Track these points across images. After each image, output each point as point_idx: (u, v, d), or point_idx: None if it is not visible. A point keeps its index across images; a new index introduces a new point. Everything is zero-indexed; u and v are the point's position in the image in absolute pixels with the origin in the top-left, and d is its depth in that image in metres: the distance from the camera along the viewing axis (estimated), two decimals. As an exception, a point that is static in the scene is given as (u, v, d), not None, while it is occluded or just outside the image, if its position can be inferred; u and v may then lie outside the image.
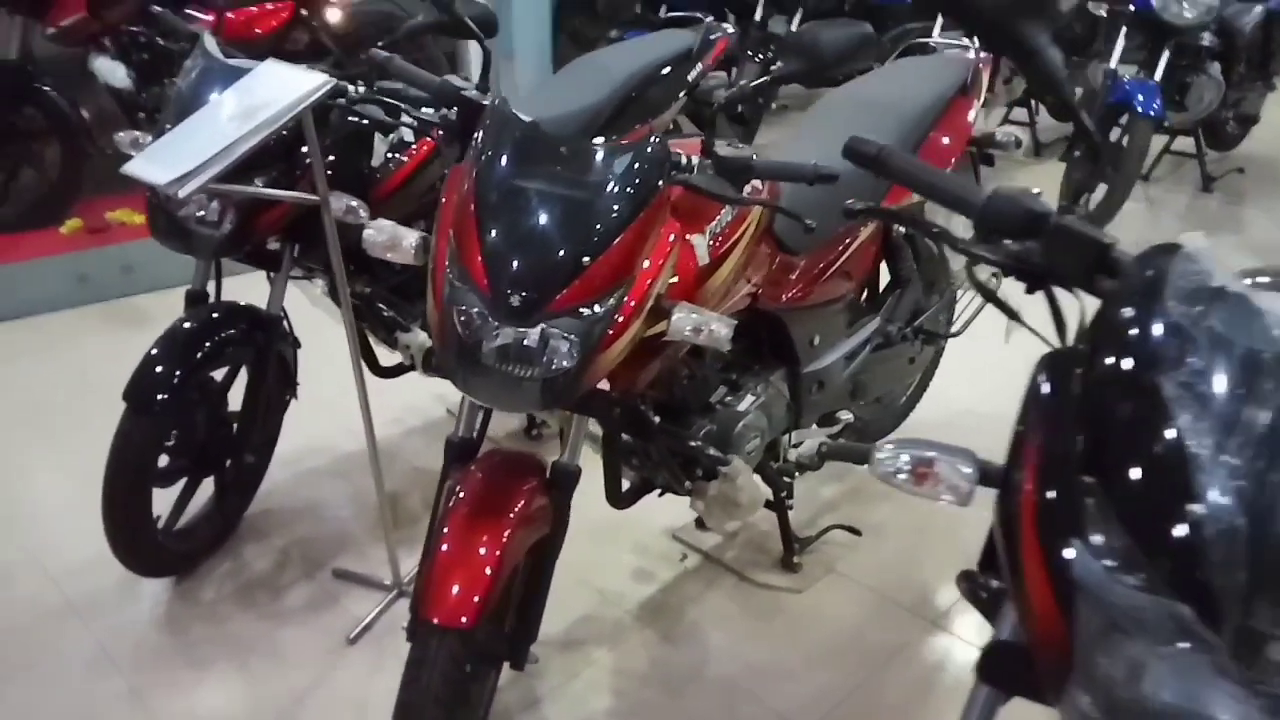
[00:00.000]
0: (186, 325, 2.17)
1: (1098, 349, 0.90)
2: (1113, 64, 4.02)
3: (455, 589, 1.47)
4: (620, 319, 1.45)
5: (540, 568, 1.71)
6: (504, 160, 1.46)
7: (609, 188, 1.45)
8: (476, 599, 1.46)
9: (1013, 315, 1.16)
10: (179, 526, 2.36)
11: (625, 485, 2.02)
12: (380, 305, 2.42)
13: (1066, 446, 0.89)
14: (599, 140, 1.50)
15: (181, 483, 2.32)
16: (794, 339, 2.03)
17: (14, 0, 3.72)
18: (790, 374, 2.08)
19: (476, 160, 1.48)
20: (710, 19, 2.98)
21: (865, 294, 2.46)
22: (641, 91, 2.73)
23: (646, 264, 1.49)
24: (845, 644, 2.17)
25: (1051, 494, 0.88)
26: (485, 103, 1.60)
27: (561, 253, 1.41)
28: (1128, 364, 0.87)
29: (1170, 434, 0.81)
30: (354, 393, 2.12)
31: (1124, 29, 4.05)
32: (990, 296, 1.18)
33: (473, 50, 5.80)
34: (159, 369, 2.08)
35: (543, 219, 1.42)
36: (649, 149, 1.49)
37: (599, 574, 2.37)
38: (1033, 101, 5.16)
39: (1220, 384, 0.82)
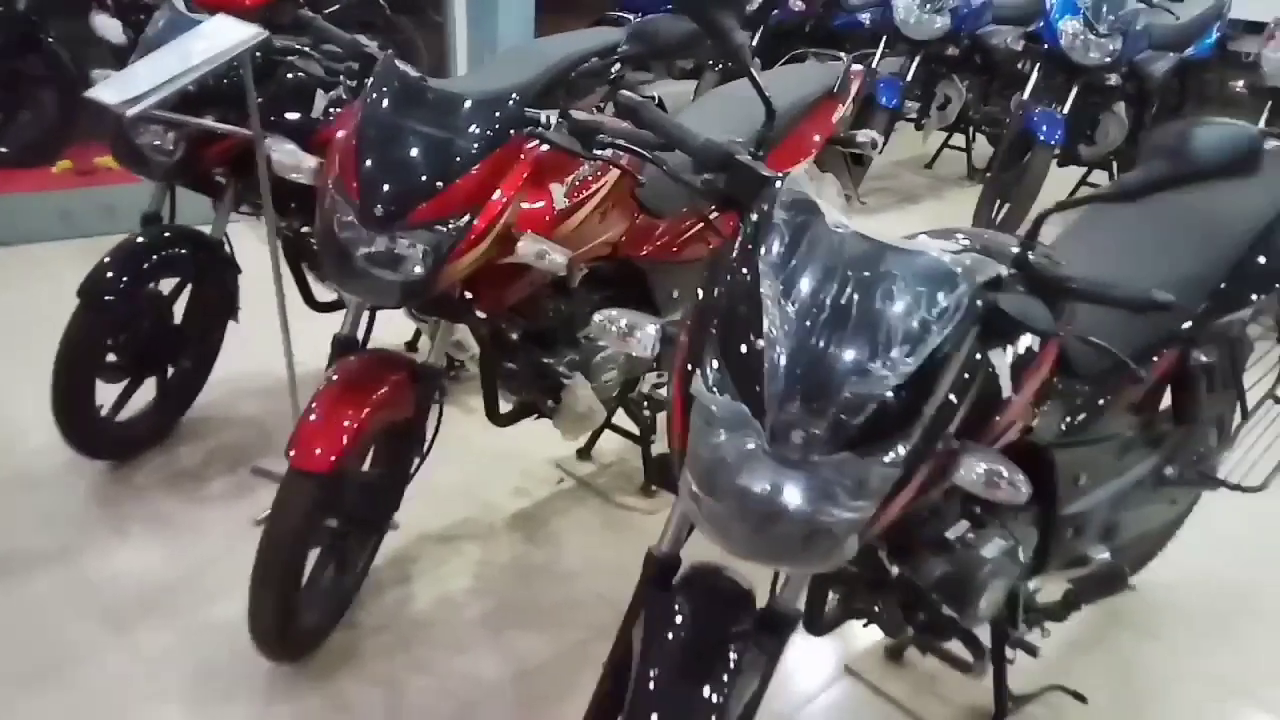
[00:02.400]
0: (139, 240, 2.52)
1: (739, 243, 1.25)
2: (1025, 95, 4.41)
3: (317, 446, 1.81)
4: (471, 236, 1.81)
5: (403, 448, 2.07)
6: (384, 103, 1.81)
7: (466, 130, 1.80)
8: (333, 456, 1.81)
9: None
10: (121, 419, 2.70)
11: (508, 407, 2.37)
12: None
13: (703, 307, 1.24)
14: (459, 93, 1.84)
15: (125, 381, 2.67)
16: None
17: (23, -44, 4.08)
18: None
19: (363, 102, 1.84)
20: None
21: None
22: (567, 77, 3.08)
23: (498, 195, 1.85)
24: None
25: (687, 340, 1.24)
26: (376, 56, 1.94)
27: (420, 176, 1.76)
28: (741, 251, 1.22)
29: (753, 293, 1.17)
30: (296, 322, 2.44)
31: (1038, 65, 4.43)
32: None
33: (460, 43, 6.20)
34: (109, 274, 2.42)
35: (408, 150, 1.77)
36: (504, 107, 1.84)
37: (484, 489, 2.72)
38: (970, 129, 5.53)
39: (790, 259, 1.17)
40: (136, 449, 2.76)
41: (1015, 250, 1.29)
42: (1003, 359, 1.36)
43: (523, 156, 1.91)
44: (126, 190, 4.04)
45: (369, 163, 1.77)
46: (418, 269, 1.78)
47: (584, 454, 2.87)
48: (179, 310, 2.71)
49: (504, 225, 1.88)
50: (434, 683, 2.07)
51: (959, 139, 5.68)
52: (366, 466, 2.14)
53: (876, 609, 1.70)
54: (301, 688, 2.04)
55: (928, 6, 4.75)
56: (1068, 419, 1.64)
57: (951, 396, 1.18)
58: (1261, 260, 1.88)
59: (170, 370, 2.77)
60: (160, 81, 1.99)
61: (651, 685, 1.30)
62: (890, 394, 1.11)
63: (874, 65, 4.98)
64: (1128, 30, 4.26)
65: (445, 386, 2.17)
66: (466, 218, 1.80)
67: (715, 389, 1.17)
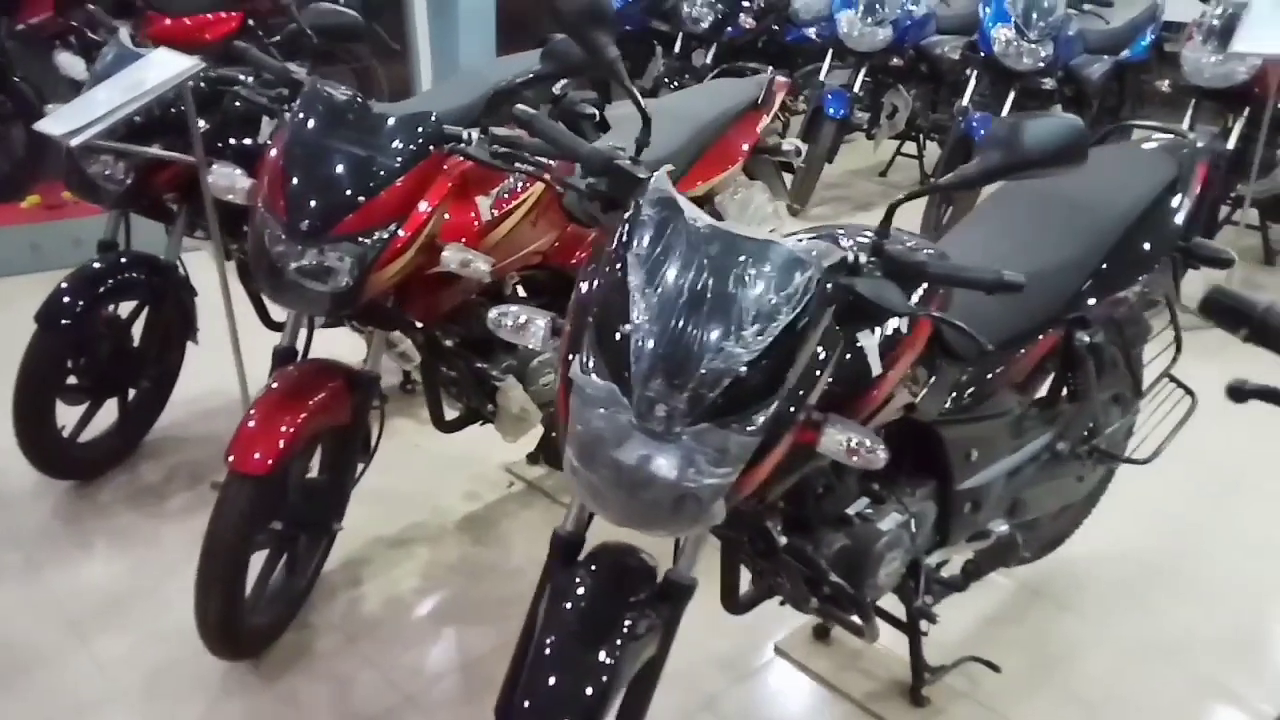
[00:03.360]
0: (95, 265, 2.63)
1: (614, 238, 1.35)
2: (964, 101, 4.56)
3: (255, 450, 1.92)
4: (396, 246, 1.92)
5: (347, 453, 2.17)
6: (309, 124, 1.93)
7: (386, 147, 1.92)
8: (271, 459, 1.91)
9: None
10: (85, 439, 2.80)
11: (454, 414, 2.48)
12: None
13: (582, 299, 1.35)
14: (381, 113, 1.96)
15: (86, 403, 2.77)
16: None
17: (-13, 0, 4.21)
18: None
19: (290, 124, 1.95)
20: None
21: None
22: (508, 97, 3.21)
23: (423, 207, 1.97)
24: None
25: (569, 329, 1.35)
26: (304, 82, 2.06)
27: (343, 192, 1.87)
28: (615, 245, 1.33)
29: (622, 283, 1.28)
30: (256, 343, 2.53)
31: (975, 71, 4.59)
32: None
33: (424, 67, 6.36)
34: (65, 299, 2.53)
35: (331, 167, 1.89)
36: (425, 124, 1.96)
37: (436, 494, 2.82)
38: (920, 136, 5.68)
39: (654, 251, 1.29)
40: (100, 468, 2.85)
41: (872, 239, 1.41)
42: (870, 340, 1.47)
43: (446, 170, 2.03)
44: (94, 223, 4.06)
45: (295, 180, 1.88)
46: (344, 280, 1.89)
47: (534, 458, 2.97)
48: (138, 334, 2.82)
49: (428, 236, 1.99)
50: (379, 677, 2.16)
51: (911, 147, 5.83)
52: (316, 473, 2.25)
53: (783, 584, 1.78)
54: (253, 685, 2.13)
55: (869, 20, 4.90)
56: (952, 397, 1.74)
57: (807, 370, 1.29)
58: (1137, 245, 1.99)
59: (131, 392, 2.87)
60: (103, 113, 2.11)
61: (548, 650, 1.38)
62: (744, 369, 1.22)
63: (821, 78, 5.14)
64: (1058, 35, 4.41)
65: (384, 394, 2.26)
66: (390, 229, 1.92)
67: (591, 372, 1.27)
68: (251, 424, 1.95)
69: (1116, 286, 1.97)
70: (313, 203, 1.87)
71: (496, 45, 6.19)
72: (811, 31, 5.50)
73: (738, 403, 1.23)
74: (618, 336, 1.26)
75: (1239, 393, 1.16)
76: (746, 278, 1.25)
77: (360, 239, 1.89)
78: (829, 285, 1.29)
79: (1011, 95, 4.51)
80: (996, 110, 4.51)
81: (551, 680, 1.36)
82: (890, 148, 5.90)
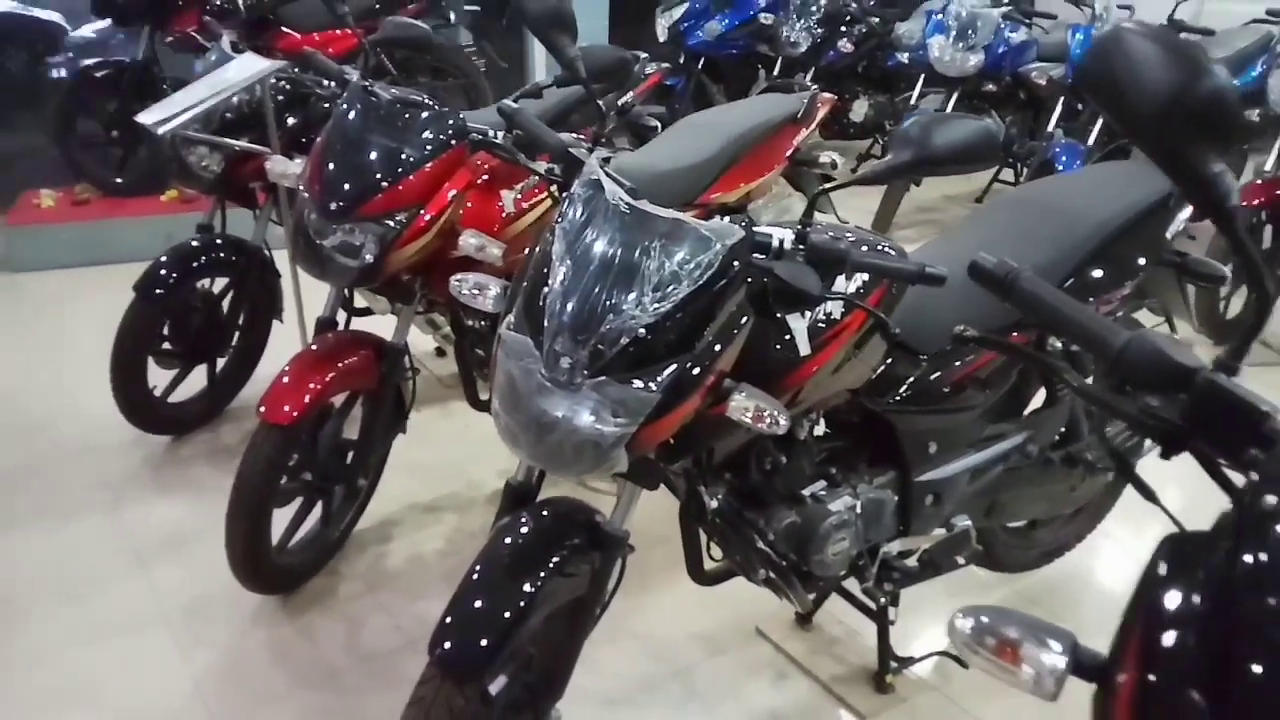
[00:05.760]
0: (191, 243, 2.96)
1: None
2: (1050, 127, 4.54)
3: (283, 403, 2.16)
4: (416, 227, 2.15)
5: (374, 417, 2.41)
6: (348, 118, 2.18)
7: (414, 140, 2.15)
8: (296, 412, 2.15)
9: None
10: (175, 401, 3.14)
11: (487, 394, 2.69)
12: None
13: (523, 267, 1.52)
14: (415, 105, 2.18)
15: (177, 367, 3.11)
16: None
17: (143, 13, 4.72)
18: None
19: (333, 118, 2.20)
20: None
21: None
22: (575, 109, 3.43)
23: (445, 194, 2.19)
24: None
25: (510, 293, 1.52)
26: (353, 81, 2.31)
27: (371, 177, 2.11)
28: (555, 221, 1.49)
29: (550, 253, 1.44)
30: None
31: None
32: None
33: (538, 55, 6.71)
34: (161, 271, 2.86)
35: (363, 155, 2.13)
36: (448, 119, 2.18)
37: (472, 468, 3.03)
38: (1017, 163, 5.62)
39: (579, 225, 1.45)
40: (187, 427, 3.19)
41: (798, 227, 1.53)
42: (800, 323, 1.59)
43: (471, 163, 2.25)
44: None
45: (330, 166, 2.13)
46: (368, 255, 2.12)
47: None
48: (229, 309, 3.15)
49: (448, 221, 2.21)
50: (390, 622, 2.38)
51: (1009, 174, 5.77)
52: (356, 436, 2.48)
53: (735, 553, 1.87)
54: (278, 619, 2.38)
55: (960, 46, 4.92)
56: (905, 389, 1.83)
57: (712, 339, 1.41)
58: (1120, 254, 2.00)
59: (219, 361, 3.20)
60: (188, 105, 2.42)
61: (477, 577, 1.51)
62: (644, 331, 1.36)
63: (912, 102, 5.18)
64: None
65: (415, 366, 2.48)
66: (412, 212, 2.14)
67: (514, 329, 1.44)
68: (284, 380, 2.20)
69: (1094, 292, 1.99)
70: (344, 186, 2.11)
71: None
72: (905, 57, 5.55)
73: (637, 361, 1.37)
74: (538, 298, 1.42)
75: (960, 338, 1.23)
76: (653, 251, 1.39)
77: (384, 220, 2.12)
78: (743, 265, 1.41)
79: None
80: (1083, 138, 4.46)
81: (476, 603, 1.49)
82: (988, 174, 5.86)
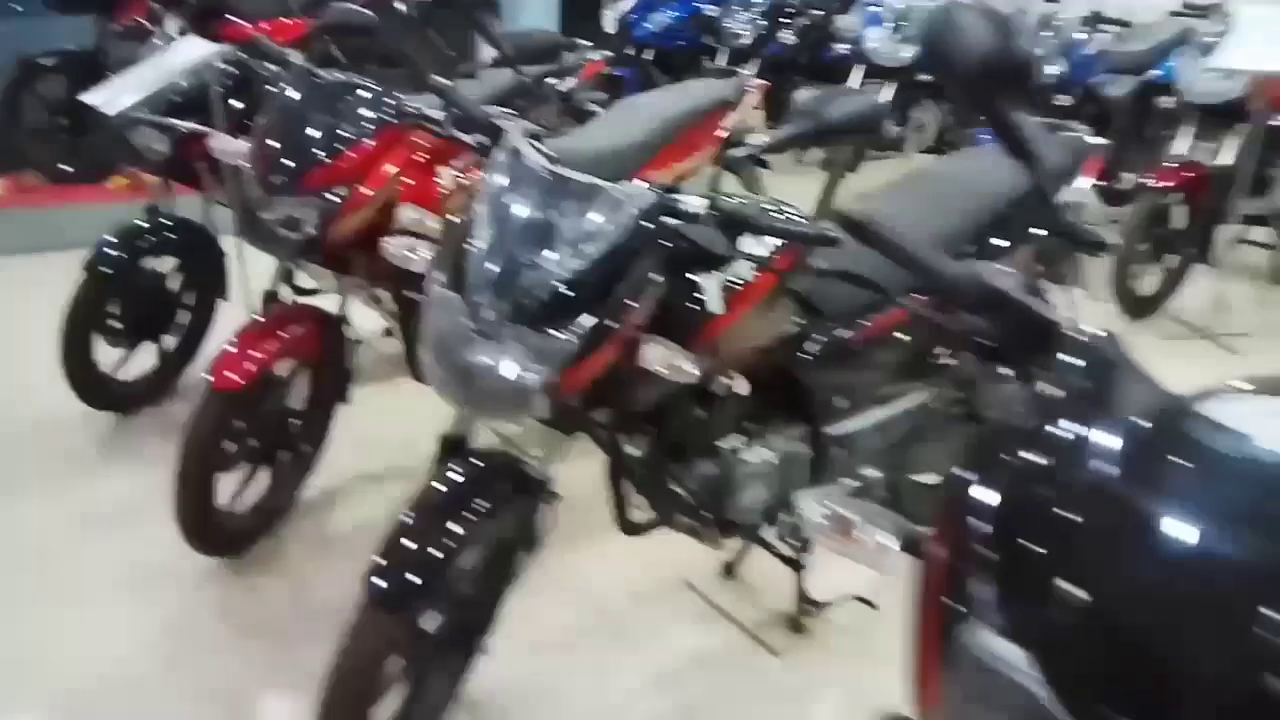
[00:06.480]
0: (136, 222, 3.04)
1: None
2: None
3: (228, 370, 2.25)
4: (354, 202, 2.25)
5: (319, 388, 2.51)
6: (289, 97, 2.28)
7: (353, 119, 2.25)
8: (240, 379, 2.24)
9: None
10: (124, 378, 3.21)
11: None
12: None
13: (451, 230, 1.64)
14: (354, 86, 2.29)
15: (125, 344, 3.18)
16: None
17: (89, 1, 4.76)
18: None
19: (276, 98, 2.30)
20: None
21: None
22: (517, 94, 3.55)
23: (383, 170, 2.29)
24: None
25: (440, 254, 1.63)
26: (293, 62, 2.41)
27: (310, 154, 2.21)
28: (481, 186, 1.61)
29: (475, 215, 1.56)
30: None
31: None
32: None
33: None
34: (107, 250, 2.94)
35: (302, 133, 2.23)
36: (386, 99, 2.29)
37: (424, 441, 3.09)
38: (945, 150, 5.83)
39: (502, 188, 1.57)
40: (136, 404, 3.26)
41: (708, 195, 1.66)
42: (711, 282, 1.72)
43: (409, 141, 2.35)
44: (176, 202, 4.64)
45: (272, 143, 2.23)
46: (309, 228, 2.23)
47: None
48: (178, 289, 3.22)
49: (388, 197, 2.31)
50: (333, 580, 2.48)
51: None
52: (303, 406, 2.58)
53: (661, 506, 1.98)
54: (225, 579, 2.48)
55: (897, 37, 5.10)
56: (814, 347, 1.95)
57: (625, 293, 1.54)
58: (1013, 223, 2.14)
59: (166, 339, 3.28)
60: (134, 87, 2.50)
61: (408, 519, 1.64)
62: (560, 285, 1.49)
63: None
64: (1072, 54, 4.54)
65: (357, 338, 2.59)
66: (351, 187, 2.25)
67: (443, 286, 1.56)
68: (231, 349, 2.29)
69: (992, 256, 2.14)
70: (285, 161, 2.21)
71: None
72: (845, 49, 5.72)
73: (556, 314, 1.50)
74: (465, 258, 1.55)
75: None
76: (570, 211, 1.53)
77: (324, 194, 2.22)
78: (655, 227, 1.54)
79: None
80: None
81: (405, 541, 1.61)
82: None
